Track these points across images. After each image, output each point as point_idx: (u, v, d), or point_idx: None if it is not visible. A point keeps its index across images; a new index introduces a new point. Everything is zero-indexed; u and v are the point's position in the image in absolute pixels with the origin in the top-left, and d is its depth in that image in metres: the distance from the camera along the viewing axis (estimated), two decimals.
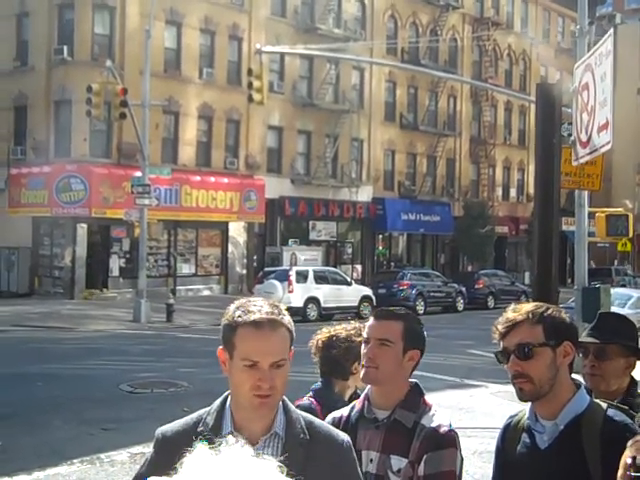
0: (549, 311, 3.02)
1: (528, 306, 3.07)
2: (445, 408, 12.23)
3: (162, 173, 33.45)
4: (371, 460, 3.30)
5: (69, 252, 35.95)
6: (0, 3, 37.96)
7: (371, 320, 3.44)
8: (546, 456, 2.96)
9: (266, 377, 2.54)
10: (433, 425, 3.23)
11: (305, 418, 2.72)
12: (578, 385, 3.06)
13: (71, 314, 29.96)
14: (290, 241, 43.00)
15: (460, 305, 39.10)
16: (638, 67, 65.15)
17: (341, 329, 4.34)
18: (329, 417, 3.47)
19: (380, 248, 50.38)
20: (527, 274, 55.11)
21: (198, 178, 38.82)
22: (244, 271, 41.98)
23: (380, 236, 50.11)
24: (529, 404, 3.06)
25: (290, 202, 43.12)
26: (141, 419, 12.13)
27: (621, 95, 58.51)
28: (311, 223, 45.52)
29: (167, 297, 29.79)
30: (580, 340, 3.59)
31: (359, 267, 48.08)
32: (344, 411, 3.50)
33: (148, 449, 2.79)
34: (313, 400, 4.21)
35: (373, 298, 33.84)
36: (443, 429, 3.22)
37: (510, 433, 3.18)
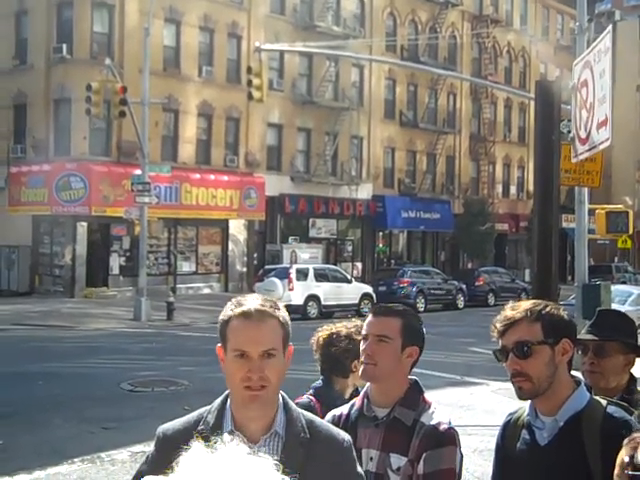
0: (547, 309, 3.02)
1: (526, 304, 3.06)
2: (445, 406, 12.24)
3: (162, 171, 33.43)
4: (371, 458, 3.30)
5: (69, 250, 35.95)
6: None
7: (369, 317, 3.43)
8: (546, 452, 2.96)
9: (255, 367, 2.53)
10: (432, 423, 3.22)
11: (306, 417, 2.71)
12: (578, 382, 3.06)
13: (71, 313, 29.97)
14: (290, 239, 43.00)
15: (460, 302, 39.12)
16: (637, 64, 65.19)
17: (342, 327, 4.34)
18: (329, 415, 3.47)
19: (380, 246, 50.38)
20: (527, 271, 55.14)
21: (198, 176, 38.82)
22: (244, 269, 41.98)
23: (380, 233, 50.11)
24: (529, 401, 3.06)
25: (290, 200, 43.12)
26: (142, 418, 12.14)
27: (620, 92, 58.55)
28: (311, 221, 45.52)
29: (167, 295, 29.79)
30: (579, 337, 3.59)
31: (359, 265, 48.07)
32: (344, 409, 3.49)
33: (149, 448, 2.80)
34: (312, 398, 4.21)
35: (373, 296, 33.86)
36: (443, 427, 3.21)
37: (510, 430, 3.18)
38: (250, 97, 26.62)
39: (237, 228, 41.69)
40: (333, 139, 45.73)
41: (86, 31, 36.38)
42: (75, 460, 9.90)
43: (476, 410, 13.37)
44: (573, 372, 3.10)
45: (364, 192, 47.22)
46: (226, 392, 2.72)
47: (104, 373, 16.77)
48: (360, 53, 40.06)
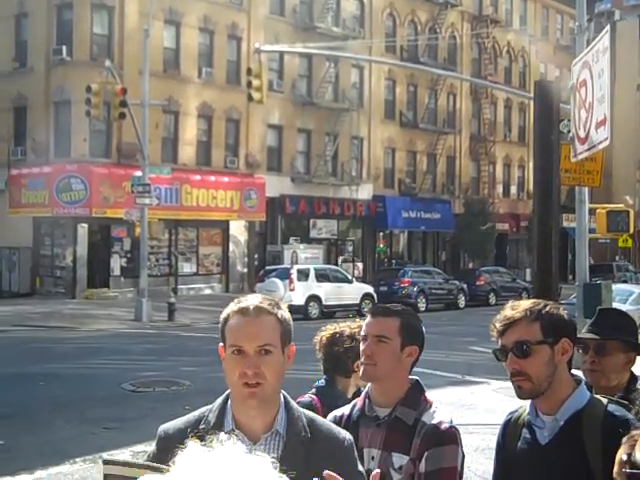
0: (547, 308, 3.02)
1: (526, 303, 3.06)
2: (447, 405, 12.24)
3: (162, 172, 33.44)
4: (373, 458, 3.30)
5: (70, 252, 35.97)
6: None
7: (368, 317, 3.44)
8: (546, 451, 2.97)
9: (251, 363, 2.53)
10: (434, 422, 3.23)
11: (307, 416, 2.72)
12: (578, 381, 3.06)
13: (72, 314, 29.98)
14: (291, 239, 42.99)
15: (461, 302, 39.13)
16: (637, 63, 65.18)
17: (345, 326, 4.35)
18: (330, 415, 3.47)
19: (381, 246, 50.39)
20: (528, 271, 55.07)
21: (198, 177, 38.82)
22: (245, 270, 41.99)
23: (381, 234, 50.11)
24: (529, 400, 3.07)
25: (291, 200, 43.12)
26: (143, 418, 12.15)
27: (621, 92, 58.58)
28: (312, 221, 45.53)
29: (168, 296, 29.80)
30: (580, 336, 3.60)
31: (360, 265, 48.06)
32: (345, 409, 3.50)
33: (150, 448, 2.81)
34: (314, 397, 4.22)
35: (374, 296, 33.86)
36: (444, 426, 3.22)
37: (510, 429, 3.18)
38: (250, 98, 26.63)
39: (238, 229, 41.70)
40: (333, 140, 45.73)
41: (86, 33, 36.39)
42: (77, 460, 9.91)
43: (477, 409, 13.38)
44: (574, 371, 3.11)
45: (364, 192, 47.23)
46: (227, 392, 2.72)
47: (105, 374, 16.77)
48: (360, 54, 40.13)
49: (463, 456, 3.27)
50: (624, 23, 61.68)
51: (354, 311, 30.74)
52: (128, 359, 19.13)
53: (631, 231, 23.74)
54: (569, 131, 11.17)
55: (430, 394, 3.42)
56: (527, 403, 3.11)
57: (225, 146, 41.06)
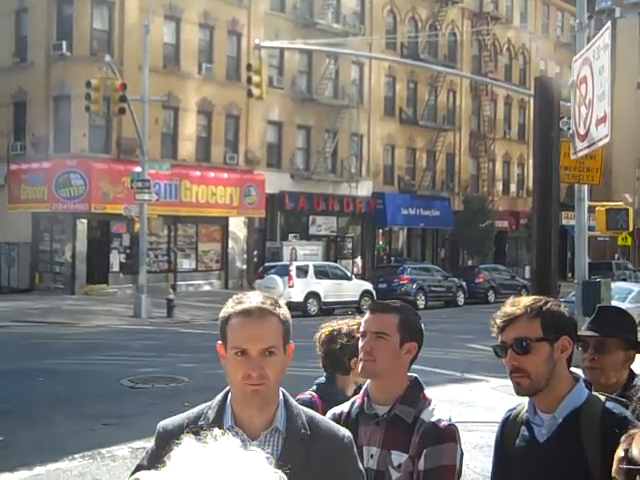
0: (547, 305, 3.01)
1: (526, 300, 3.06)
2: (446, 402, 12.25)
3: (162, 168, 33.41)
4: (372, 456, 3.30)
5: (69, 248, 35.96)
6: None
7: (367, 314, 3.44)
8: (545, 449, 2.97)
9: (255, 365, 2.53)
10: (433, 420, 3.23)
11: (306, 413, 2.72)
12: (577, 379, 3.06)
13: (72, 309, 29.98)
14: (290, 236, 42.98)
15: (460, 299, 39.15)
16: (638, 61, 65.14)
17: (344, 324, 4.35)
18: (329, 413, 3.47)
19: (380, 243, 50.38)
20: (527, 268, 55.07)
21: (198, 173, 38.80)
22: (244, 266, 41.99)
23: (380, 231, 50.10)
24: (527, 397, 3.07)
25: (290, 197, 43.12)
26: (142, 414, 12.15)
27: (621, 89, 58.54)
28: (311, 218, 45.52)
29: (167, 292, 29.82)
30: (579, 333, 3.60)
31: (359, 262, 48.06)
32: (344, 407, 3.50)
33: (149, 444, 2.81)
34: (314, 394, 4.22)
35: (373, 293, 33.85)
36: (443, 423, 3.22)
37: (509, 426, 3.18)
38: (250, 94, 26.64)
39: (237, 225, 41.69)
40: (333, 136, 45.71)
41: (86, 28, 36.36)
42: (76, 456, 9.91)
43: (476, 406, 13.38)
44: (573, 369, 3.11)
45: (364, 189, 47.21)
46: (226, 388, 2.72)
47: (104, 370, 16.78)
48: (360, 50, 40.02)
49: (462, 454, 3.27)
50: (624, 21, 61.54)
51: (353, 308, 30.77)
52: (127, 355, 19.14)
53: (630, 229, 23.69)
54: (569, 128, 11.17)
55: (429, 391, 3.42)
56: (525, 401, 3.10)
57: (225, 142, 41.04)
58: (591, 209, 19.50)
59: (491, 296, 40.46)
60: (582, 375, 3.47)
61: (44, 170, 35.58)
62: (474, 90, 55.62)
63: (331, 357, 4.30)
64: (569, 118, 11.07)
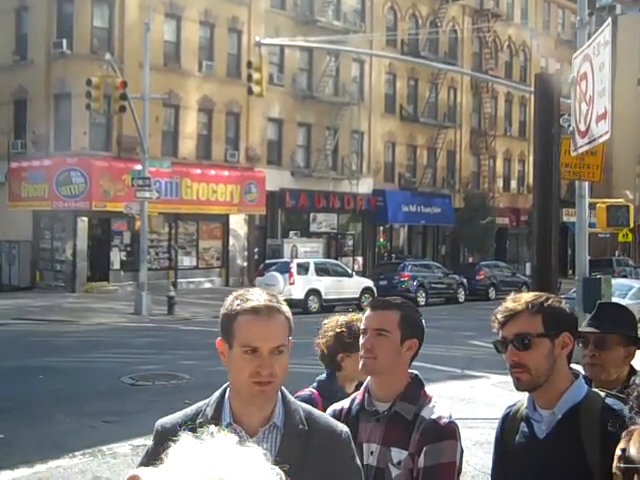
0: (549, 301, 3.02)
1: (528, 296, 3.06)
2: (446, 399, 12.26)
3: (162, 166, 33.41)
4: (372, 453, 3.30)
5: (70, 245, 35.97)
6: None
7: (367, 311, 3.43)
8: (544, 445, 2.97)
9: (266, 363, 2.54)
10: (433, 417, 3.22)
11: (304, 409, 2.72)
12: (576, 375, 3.06)
13: (72, 307, 30.00)
14: (291, 233, 42.99)
15: (461, 296, 39.15)
16: (638, 58, 65.03)
17: (334, 320, 4.35)
18: (329, 409, 3.47)
19: (381, 240, 50.38)
20: (528, 265, 55.04)
21: (198, 171, 38.81)
22: (245, 263, 42.00)
23: (381, 228, 50.11)
24: (527, 394, 3.07)
25: (291, 194, 43.12)
26: (143, 411, 12.15)
27: (622, 86, 58.46)
28: (312, 215, 45.54)
29: (168, 290, 29.82)
30: (580, 330, 3.60)
31: (360, 259, 48.08)
32: (344, 403, 3.50)
33: (150, 441, 2.81)
34: (314, 391, 4.22)
35: (374, 290, 33.85)
36: (443, 421, 3.21)
37: (509, 423, 3.18)
38: (250, 92, 26.62)
39: (238, 223, 41.70)
40: (333, 134, 45.71)
41: (86, 26, 36.36)
42: (76, 454, 9.91)
43: (477, 403, 13.37)
44: (574, 365, 3.10)
45: (365, 187, 47.21)
46: (224, 385, 2.72)
47: (105, 367, 16.79)
48: (360, 48, 40.02)
49: (462, 451, 3.26)
50: (625, 17, 61.48)
51: (354, 305, 30.76)
52: (128, 353, 19.14)
53: (631, 226, 23.69)
54: (569, 125, 11.15)
55: (430, 388, 3.41)
56: (525, 397, 3.10)
57: (225, 140, 41.04)
58: (592, 206, 19.48)
59: (492, 293, 40.45)
60: (582, 371, 3.46)
61: (45, 168, 35.60)
62: (475, 87, 55.60)
63: (323, 354, 4.33)
64: (570, 115, 11.06)
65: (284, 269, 32.19)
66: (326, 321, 4.41)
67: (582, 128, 9.71)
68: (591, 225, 18.68)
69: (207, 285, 39.84)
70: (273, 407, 2.64)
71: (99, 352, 19.23)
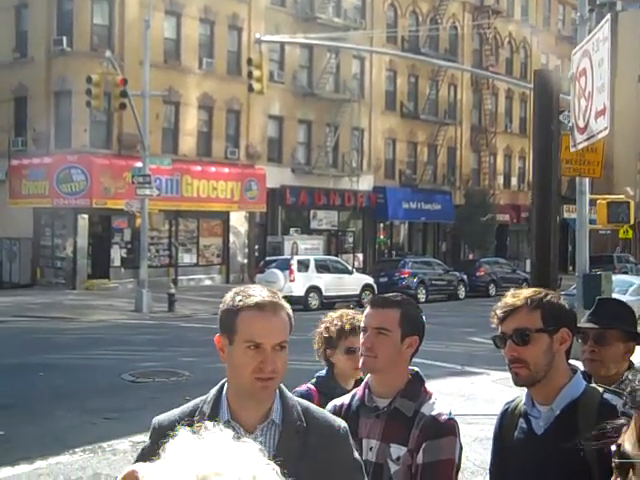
0: (548, 297, 3.02)
1: (527, 292, 3.07)
2: (446, 395, 12.27)
3: (163, 163, 33.45)
4: (371, 448, 3.30)
5: (70, 243, 35.99)
6: None
7: (367, 308, 3.42)
8: (542, 441, 2.97)
9: (269, 359, 2.54)
10: (433, 414, 3.22)
11: (302, 405, 2.72)
12: (574, 370, 3.06)
13: (73, 304, 30.02)
14: (291, 230, 43.00)
15: (462, 293, 39.18)
16: (639, 55, 64.97)
17: (328, 317, 4.35)
18: (330, 405, 3.47)
19: (381, 237, 50.39)
20: (528, 262, 54.91)
21: (199, 168, 38.81)
22: (245, 260, 42.01)
23: (381, 225, 50.11)
24: (525, 390, 3.07)
25: (291, 191, 43.12)
26: (143, 408, 12.16)
27: (622, 82, 58.44)
28: (312, 212, 45.53)
29: (169, 287, 29.83)
30: (579, 325, 3.60)
31: (360, 256, 48.09)
32: (345, 399, 3.50)
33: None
34: (312, 387, 4.22)
35: (374, 287, 33.85)
36: (442, 418, 3.21)
37: (507, 419, 3.18)
38: (250, 89, 26.62)
39: (238, 220, 41.71)
40: (334, 131, 45.70)
41: (86, 23, 36.35)
42: (77, 450, 9.93)
43: (477, 399, 13.39)
44: (573, 361, 3.11)
45: (365, 183, 47.21)
46: (221, 382, 2.72)
47: (105, 364, 16.80)
48: (361, 44, 39.96)
49: (461, 448, 3.26)
50: (626, 14, 61.44)
51: (354, 302, 30.77)
52: (128, 350, 19.16)
53: (632, 222, 23.75)
54: (569, 122, 11.14)
55: (430, 384, 3.41)
56: (523, 393, 3.10)
57: (226, 137, 41.04)
58: (592, 202, 19.51)
59: (492, 289, 40.47)
60: (581, 367, 3.46)
61: (45, 165, 35.61)
62: (475, 84, 55.58)
63: (318, 351, 4.34)
64: (569, 112, 11.04)
65: (284, 266, 32.19)
66: (324, 319, 4.42)
67: (581, 124, 9.70)
68: (592, 221, 18.69)
69: (207, 282, 39.84)
70: (271, 404, 2.64)
71: (99, 349, 19.24)
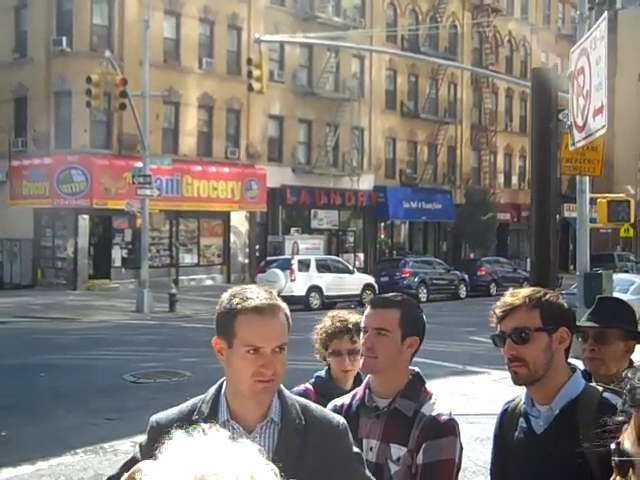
0: (547, 296, 3.02)
1: (526, 291, 3.07)
2: (447, 394, 12.25)
3: (163, 163, 33.44)
4: (371, 448, 3.29)
5: (71, 243, 35.99)
6: None
7: (367, 309, 3.41)
8: (542, 441, 2.97)
9: (269, 363, 2.53)
10: (433, 414, 3.22)
11: (300, 403, 2.72)
12: (574, 369, 3.06)
13: (74, 305, 30.02)
14: (292, 230, 43.01)
15: (462, 292, 39.16)
16: (639, 53, 64.96)
17: (327, 317, 4.36)
18: (330, 404, 3.46)
19: (382, 236, 50.38)
20: (529, 261, 54.93)
21: (199, 168, 38.81)
22: (246, 260, 42.02)
23: (382, 224, 50.11)
24: (525, 389, 3.07)
25: (291, 191, 43.13)
26: (144, 409, 12.12)
27: (623, 81, 58.45)
28: (313, 212, 45.54)
29: (169, 287, 29.84)
30: (579, 324, 3.60)
31: (361, 255, 48.09)
32: (345, 399, 3.49)
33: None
34: (310, 387, 4.22)
35: (375, 286, 33.84)
36: (443, 418, 3.21)
37: (507, 419, 3.18)
38: (250, 89, 26.64)
39: (239, 220, 41.71)
40: (334, 130, 45.70)
41: (86, 23, 36.35)
42: (78, 451, 9.93)
43: (478, 399, 13.38)
44: (573, 360, 3.10)
45: (365, 183, 47.21)
46: (220, 381, 2.71)
47: (107, 365, 16.81)
48: (361, 44, 39.98)
49: (461, 448, 3.25)
50: (626, 12, 61.44)
51: (355, 301, 30.79)
52: (129, 350, 19.17)
53: (632, 221, 23.71)
54: (568, 120, 11.13)
55: (431, 384, 3.41)
56: (523, 393, 3.10)
57: (226, 137, 41.05)
58: (593, 201, 19.49)
59: (493, 289, 40.46)
60: (580, 366, 3.46)
61: (45, 166, 35.61)
62: (475, 83, 55.57)
63: (319, 351, 4.35)
64: (569, 110, 11.04)
65: (285, 266, 32.19)
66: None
67: (579, 122, 9.69)
68: (592, 220, 18.67)
69: (208, 282, 39.84)
70: (270, 403, 2.63)
71: (101, 349, 19.25)
